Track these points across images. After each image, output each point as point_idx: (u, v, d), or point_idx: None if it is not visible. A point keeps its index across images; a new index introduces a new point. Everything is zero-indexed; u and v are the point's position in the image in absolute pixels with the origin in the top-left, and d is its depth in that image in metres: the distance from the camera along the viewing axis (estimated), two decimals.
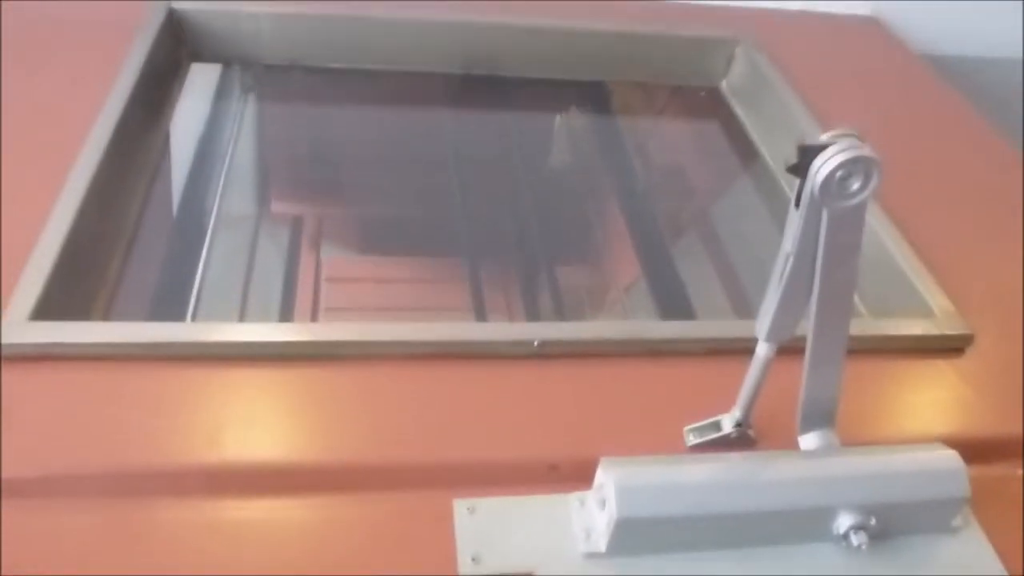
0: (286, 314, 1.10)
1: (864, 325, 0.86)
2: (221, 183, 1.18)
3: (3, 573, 0.57)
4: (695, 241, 1.25)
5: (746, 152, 1.21)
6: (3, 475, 0.62)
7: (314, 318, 1.13)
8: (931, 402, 0.80)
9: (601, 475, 0.61)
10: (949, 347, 0.83)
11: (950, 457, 0.65)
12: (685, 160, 1.39)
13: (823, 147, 0.52)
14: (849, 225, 0.55)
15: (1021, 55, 1.47)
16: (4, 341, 0.69)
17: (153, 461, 0.64)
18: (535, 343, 0.74)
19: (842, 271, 0.58)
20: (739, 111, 1.25)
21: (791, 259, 0.57)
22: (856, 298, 0.91)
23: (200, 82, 1.24)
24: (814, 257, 0.57)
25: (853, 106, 1.19)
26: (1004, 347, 0.84)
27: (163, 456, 0.64)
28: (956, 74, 1.33)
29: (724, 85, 1.31)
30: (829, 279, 0.58)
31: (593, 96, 1.37)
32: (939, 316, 0.84)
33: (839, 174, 0.51)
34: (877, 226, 0.92)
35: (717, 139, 1.30)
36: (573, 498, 0.64)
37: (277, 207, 1.33)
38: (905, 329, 0.83)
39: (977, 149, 1.14)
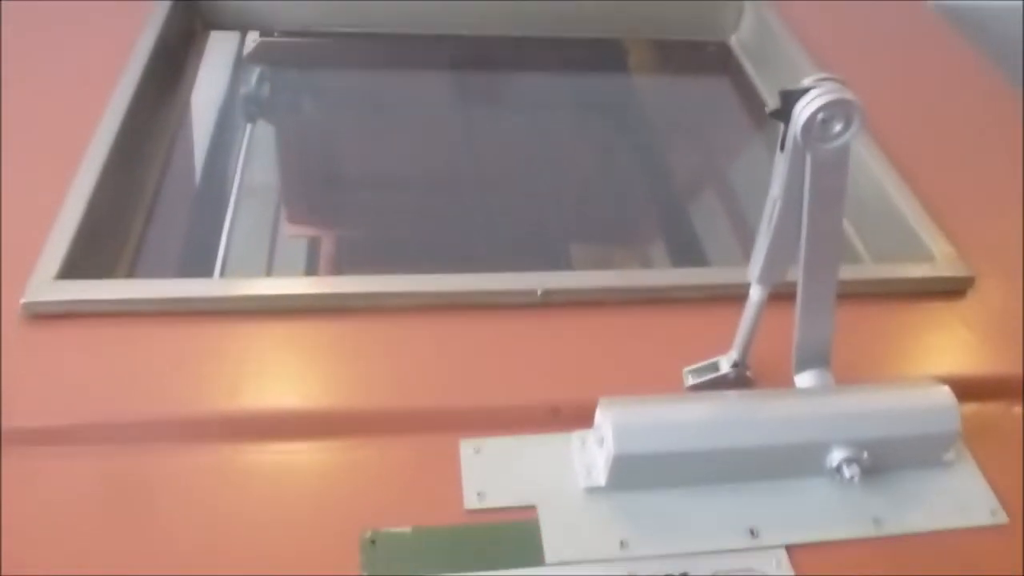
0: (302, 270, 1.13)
1: (865, 269, 0.87)
2: (243, 148, 1.21)
3: (34, 517, 0.61)
4: (706, 194, 1.27)
5: (755, 107, 1.22)
6: (34, 424, 0.66)
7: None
8: (931, 344, 0.81)
9: (600, 414, 0.63)
10: (950, 290, 0.84)
11: (942, 392, 0.67)
12: (694, 115, 1.40)
13: (805, 91, 0.53)
14: (833, 168, 0.56)
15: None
16: (32, 299, 0.72)
17: (175, 410, 0.67)
18: (539, 292, 0.76)
19: (829, 215, 0.60)
20: (748, 67, 1.26)
21: (778, 203, 0.59)
22: (858, 244, 0.93)
23: (217, 50, 1.26)
24: (800, 201, 0.59)
25: (862, 59, 1.19)
26: (1005, 290, 0.85)
27: (185, 405, 0.68)
28: (966, 23, 1.32)
29: (733, 40, 1.31)
30: (816, 223, 0.60)
31: (602, 52, 1.38)
32: (940, 260, 0.85)
33: (820, 117, 0.53)
34: (879, 172, 0.93)
35: (726, 94, 1.30)
36: (574, 437, 0.67)
37: (294, 177, 1.36)
38: (906, 272, 0.84)
39: (983, 98, 1.14)
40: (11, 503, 0.61)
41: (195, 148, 1.17)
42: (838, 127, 0.54)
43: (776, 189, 0.59)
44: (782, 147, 0.56)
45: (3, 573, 0.57)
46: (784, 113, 0.54)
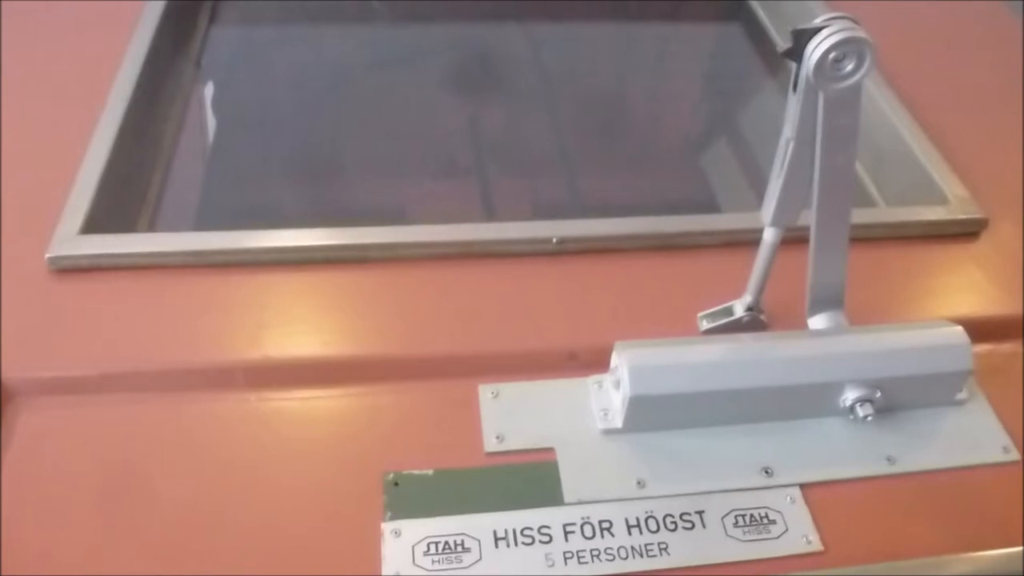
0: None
1: (879, 212, 0.88)
2: (253, 105, 1.21)
3: (62, 462, 0.63)
4: (721, 141, 1.26)
5: (768, 53, 1.21)
6: (64, 374, 0.67)
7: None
8: (945, 286, 0.82)
9: (616, 357, 0.64)
10: (964, 232, 0.84)
11: (954, 332, 0.67)
12: (707, 62, 1.39)
13: (817, 30, 0.53)
14: (845, 107, 0.56)
15: None
16: (56, 254, 0.74)
17: (200, 359, 0.69)
18: (553, 240, 0.77)
19: (841, 155, 0.60)
20: (761, 14, 1.24)
21: (791, 144, 0.59)
22: (872, 188, 0.93)
23: (228, 9, 1.26)
24: (813, 142, 0.59)
25: (876, 4, 1.17)
26: (1018, 232, 0.85)
27: (209, 354, 0.69)
28: None
29: None
30: (829, 163, 0.60)
31: None
32: (954, 202, 0.85)
33: (832, 55, 0.53)
34: (893, 116, 0.93)
35: (739, 41, 1.29)
36: (591, 381, 0.68)
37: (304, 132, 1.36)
38: (920, 215, 0.84)
39: (998, 40, 1.13)
40: (41, 452, 0.63)
41: (207, 107, 1.17)
42: (850, 66, 0.54)
43: (789, 130, 0.59)
44: (794, 87, 0.56)
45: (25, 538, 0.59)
46: (796, 53, 0.54)
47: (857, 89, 0.55)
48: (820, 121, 0.57)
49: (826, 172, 0.60)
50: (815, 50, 0.53)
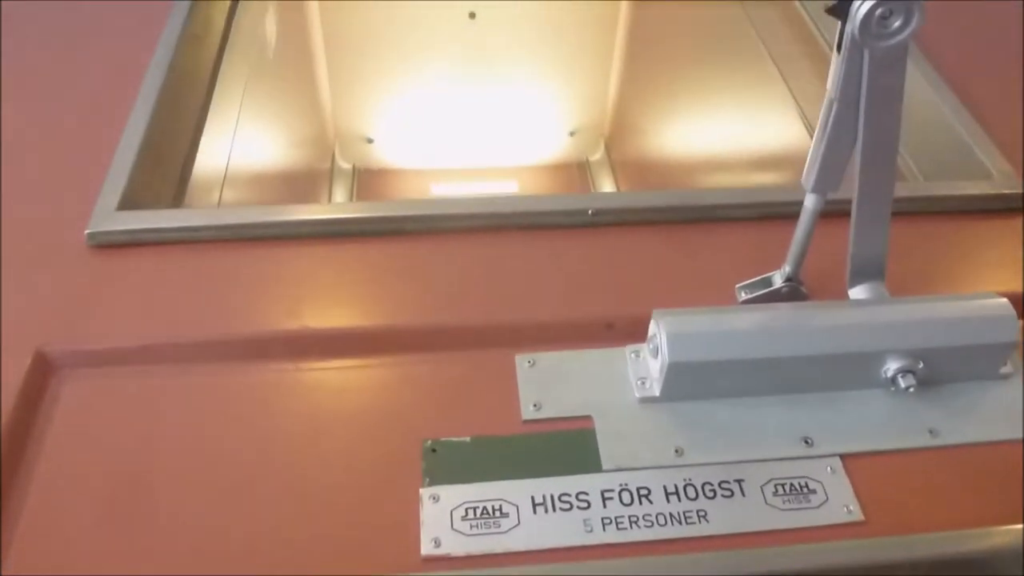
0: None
1: (920, 186, 0.86)
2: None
3: (106, 432, 0.63)
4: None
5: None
6: (106, 346, 0.68)
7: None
8: (988, 261, 0.80)
9: (654, 324, 0.64)
10: (1007, 207, 0.83)
11: (1000, 304, 0.66)
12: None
13: None
14: (891, 67, 0.55)
15: None
16: (96, 230, 0.75)
17: (238, 330, 0.69)
18: (589, 212, 0.77)
19: (886, 117, 0.59)
20: None
21: (835, 105, 0.58)
22: (911, 162, 0.92)
23: None
24: (857, 103, 0.58)
25: None
26: None
27: (247, 325, 0.70)
28: None
29: None
30: (873, 125, 0.59)
31: None
32: (997, 177, 0.84)
33: (879, 12, 0.52)
34: (933, 90, 0.92)
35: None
36: (628, 351, 0.68)
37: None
38: (963, 190, 0.83)
39: None
40: (85, 423, 0.64)
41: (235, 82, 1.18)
42: (897, 22, 0.53)
43: (832, 90, 0.58)
44: (839, 47, 0.55)
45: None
46: (841, 9, 0.53)
47: (904, 47, 0.54)
48: (865, 81, 0.56)
49: (870, 135, 0.59)
50: (861, 6, 0.52)
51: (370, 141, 1.50)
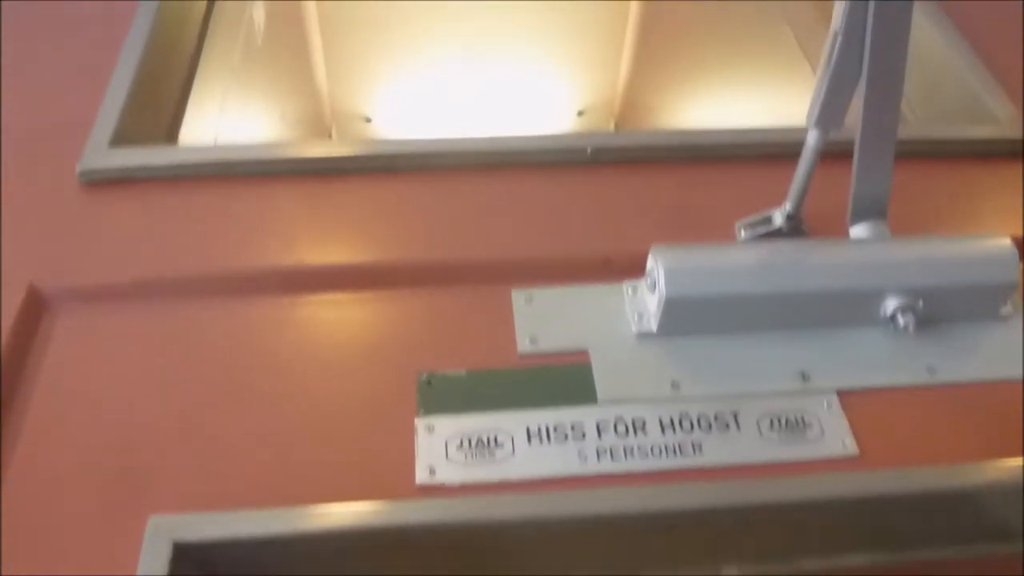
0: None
1: (927, 129, 0.85)
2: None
3: (100, 366, 0.63)
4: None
5: None
6: (98, 281, 0.68)
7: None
8: (992, 205, 0.79)
9: (652, 259, 0.63)
10: (1012, 152, 0.82)
11: (1001, 244, 0.65)
12: None
13: None
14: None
15: None
16: (87, 167, 0.74)
17: (233, 265, 0.69)
18: (588, 150, 0.76)
19: (892, 51, 0.58)
20: None
21: (839, 38, 0.57)
22: (917, 104, 0.90)
23: None
24: (862, 37, 0.57)
25: None
26: None
27: (241, 260, 0.69)
28: None
29: None
30: (878, 59, 0.58)
31: None
32: (1003, 121, 0.82)
33: None
34: (939, 34, 0.90)
35: None
36: (625, 286, 0.67)
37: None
38: (969, 133, 0.82)
39: None
40: (79, 357, 0.64)
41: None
42: None
43: (837, 23, 0.57)
44: None
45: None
46: None
47: None
48: (871, 14, 0.55)
49: (875, 71, 0.58)
50: None
51: (368, 120, 1.47)
